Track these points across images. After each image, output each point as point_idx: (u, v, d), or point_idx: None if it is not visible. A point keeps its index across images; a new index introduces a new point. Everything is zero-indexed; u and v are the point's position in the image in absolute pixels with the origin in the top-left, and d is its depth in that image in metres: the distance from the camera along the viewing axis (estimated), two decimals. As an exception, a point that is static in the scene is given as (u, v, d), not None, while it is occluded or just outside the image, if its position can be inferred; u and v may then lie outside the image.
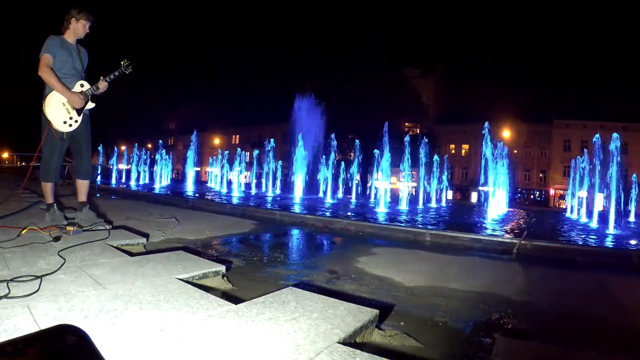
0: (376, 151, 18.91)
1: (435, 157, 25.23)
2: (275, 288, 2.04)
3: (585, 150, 15.71)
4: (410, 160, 19.75)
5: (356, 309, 1.63)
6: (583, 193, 16.98)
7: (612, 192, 10.60)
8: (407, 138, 19.58)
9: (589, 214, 13.49)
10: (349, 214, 9.34)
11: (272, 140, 25.51)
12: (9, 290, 1.60)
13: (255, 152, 30.74)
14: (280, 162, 27.01)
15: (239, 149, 30.06)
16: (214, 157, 32.52)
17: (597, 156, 13.20)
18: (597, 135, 13.16)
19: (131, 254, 2.49)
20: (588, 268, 3.82)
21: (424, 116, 43.07)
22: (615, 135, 10.61)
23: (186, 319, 1.45)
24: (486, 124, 13.72)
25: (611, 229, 9.32)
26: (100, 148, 29.67)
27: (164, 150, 28.85)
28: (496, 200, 13.41)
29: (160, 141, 33.95)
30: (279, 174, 24.47)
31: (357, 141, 24.78)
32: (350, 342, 1.41)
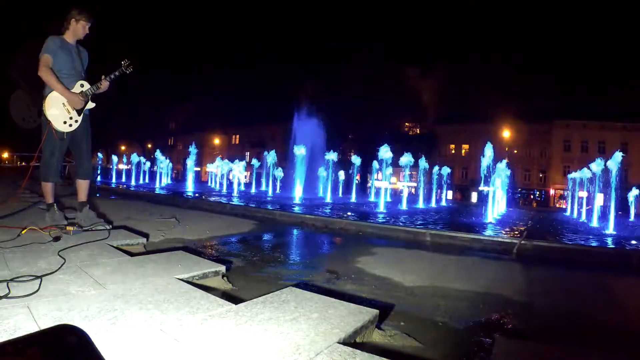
0: (376, 151, 18.93)
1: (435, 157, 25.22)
2: (275, 288, 2.04)
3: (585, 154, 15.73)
4: (410, 161, 19.72)
5: (356, 309, 1.63)
6: (583, 193, 16.99)
7: (612, 193, 10.60)
8: (407, 138, 19.60)
9: (589, 214, 13.48)
10: (349, 213, 9.34)
11: (272, 140, 25.48)
12: (9, 290, 1.60)
13: (256, 153, 30.72)
14: (280, 162, 27.00)
15: (239, 149, 30.06)
16: (214, 157, 32.52)
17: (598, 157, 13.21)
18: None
19: (131, 254, 2.49)
20: (588, 268, 3.82)
21: (424, 116, 43.09)
22: (617, 154, 10.69)
23: (186, 319, 1.45)
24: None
25: (611, 229, 9.31)
26: (100, 148, 29.65)
27: (163, 151, 28.81)
28: (496, 201, 13.39)
29: (160, 141, 33.93)
30: (279, 174, 24.45)
31: (356, 141, 24.79)
32: (350, 342, 1.41)
